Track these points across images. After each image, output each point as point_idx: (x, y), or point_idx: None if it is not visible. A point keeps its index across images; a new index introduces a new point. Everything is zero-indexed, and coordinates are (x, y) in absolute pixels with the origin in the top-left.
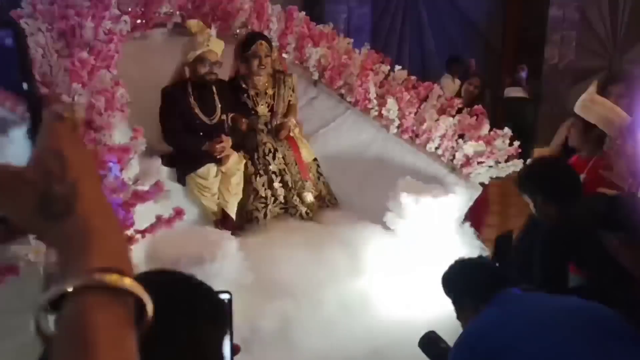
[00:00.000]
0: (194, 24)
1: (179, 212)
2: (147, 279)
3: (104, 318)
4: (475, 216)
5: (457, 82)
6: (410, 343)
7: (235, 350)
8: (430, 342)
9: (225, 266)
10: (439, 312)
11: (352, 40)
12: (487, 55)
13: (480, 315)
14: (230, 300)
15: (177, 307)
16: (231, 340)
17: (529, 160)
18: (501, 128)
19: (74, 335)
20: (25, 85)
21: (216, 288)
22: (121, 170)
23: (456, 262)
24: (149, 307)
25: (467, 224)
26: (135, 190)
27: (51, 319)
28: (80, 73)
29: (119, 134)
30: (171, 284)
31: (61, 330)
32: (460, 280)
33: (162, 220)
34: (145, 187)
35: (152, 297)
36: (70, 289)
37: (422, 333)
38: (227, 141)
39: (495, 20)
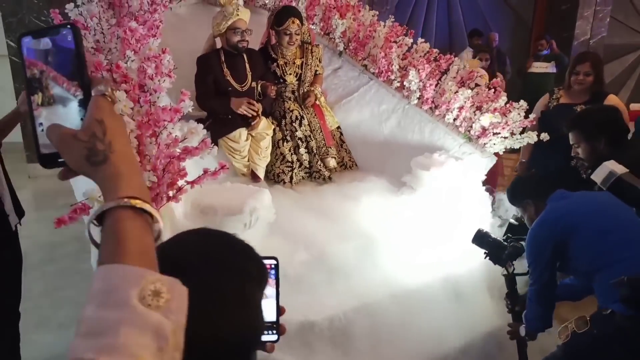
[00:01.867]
0: (237, 6)
1: (223, 166)
2: (205, 238)
3: (130, 224)
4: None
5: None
6: (423, 289)
7: (281, 312)
8: (481, 235)
9: (262, 214)
10: (452, 261)
11: (377, 12)
12: (516, 29)
13: (548, 208)
14: (277, 265)
15: (227, 268)
16: (277, 302)
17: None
18: (518, 101)
19: (112, 234)
20: (79, 74)
21: (250, 237)
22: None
23: (517, 178)
24: (159, 222)
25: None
26: (185, 146)
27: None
28: (130, 41)
29: (165, 97)
30: (221, 246)
31: (103, 233)
32: (525, 189)
33: (209, 172)
34: (194, 144)
35: (204, 257)
36: (107, 208)
37: (434, 282)
38: (258, 106)
39: None
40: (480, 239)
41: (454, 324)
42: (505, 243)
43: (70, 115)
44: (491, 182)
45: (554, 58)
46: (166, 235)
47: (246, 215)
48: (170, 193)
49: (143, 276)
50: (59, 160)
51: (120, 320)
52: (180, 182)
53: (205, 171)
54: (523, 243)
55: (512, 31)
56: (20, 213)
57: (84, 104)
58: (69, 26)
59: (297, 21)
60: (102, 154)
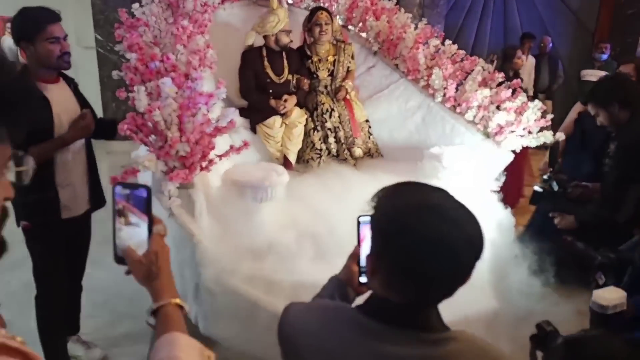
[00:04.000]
0: (275, 2)
1: (246, 143)
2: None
3: (173, 313)
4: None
5: (531, 59)
6: None
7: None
8: (569, 244)
9: (278, 190)
10: None
11: (409, 15)
12: (577, 34)
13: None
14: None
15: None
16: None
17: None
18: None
19: (163, 320)
20: (148, 212)
21: (269, 207)
22: (208, 110)
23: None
24: (186, 307)
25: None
26: (216, 125)
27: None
28: (182, 37)
29: (208, 85)
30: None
31: (158, 320)
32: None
33: (234, 148)
34: (224, 124)
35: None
36: (157, 306)
37: None
38: (292, 99)
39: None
40: (566, 248)
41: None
42: (594, 253)
43: (139, 233)
44: (518, 179)
45: (607, 68)
46: (201, 199)
47: (261, 189)
48: (203, 164)
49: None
50: (125, 262)
51: None
52: (211, 155)
53: (232, 147)
54: (612, 255)
55: (573, 37)
56: (98, 203)
57: (148, 228)
58: (145, 187)
59: (325, 12)
60: (155, 274)
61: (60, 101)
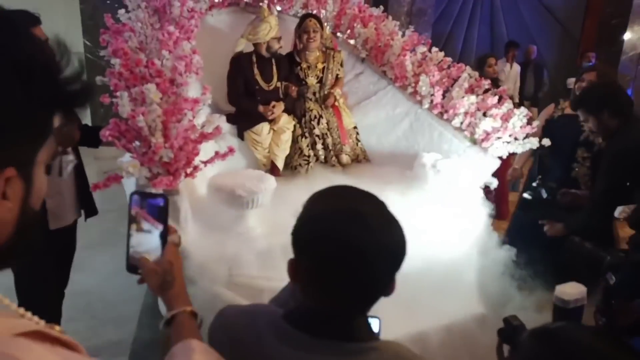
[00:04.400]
0: (266, 11)
1: (231, 149)
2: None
3: (187, 321)
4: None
5: (516, 66)
6: (409, 273)
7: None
8: (575, 244)
9: (265, 197)
10: (442, 249)
11: (397, 22)
12: (563, 43)
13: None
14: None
15: None
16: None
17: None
18: None
19: (177, 328)
20: (163, 220)
21: (255, 214)
22: (193, 116)
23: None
24: (199, 314)
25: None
26: (201, 131)
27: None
28: (167, 43)
29: (194, 91)
30: None
31: (173, 328)
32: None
33: (219, 154)
34: (209, 130)
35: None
36: (172, 314)
37: (422, 266)
38: (279, 106)
39: (576, 7)
40: (574, 248)
41: (437, 307)
42: (603, 253)
43: (152, 240)
44: (504, 186)
45: None
46: (185, 205)
47: (248, 196)
48: (188, 170)
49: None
50: (138, 271)
51: None
52: (196, 161)
53: (217, 153)
54: (622, 254)
55: (559, 45)
56: (88, 212)
57: (162, 236)
58: (163, 197)
59: (314, 20)
60: (170, 284)
61: None
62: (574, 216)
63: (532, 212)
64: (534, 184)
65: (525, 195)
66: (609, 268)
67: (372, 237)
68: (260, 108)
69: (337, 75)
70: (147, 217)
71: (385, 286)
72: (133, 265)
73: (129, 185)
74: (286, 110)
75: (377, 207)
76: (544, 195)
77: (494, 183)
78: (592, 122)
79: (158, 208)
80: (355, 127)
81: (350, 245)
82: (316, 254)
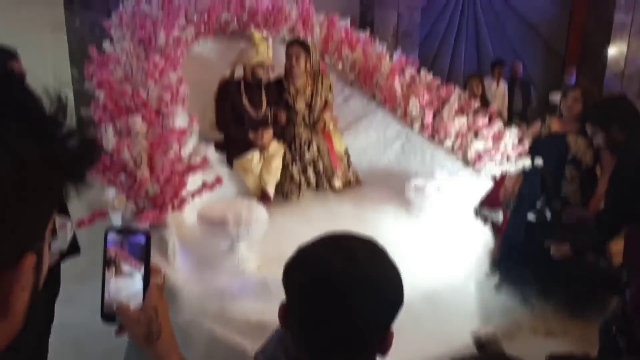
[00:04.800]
0: (258, 36)
1: (219, 180)
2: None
3: None
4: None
5: (503, 85)
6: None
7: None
8: None
9: (256, 228)
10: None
11: (384, 44)
12: (548, 59)
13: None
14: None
15: None
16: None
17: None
18: None
19: None
20: (143, 270)
21: (246, 246)
22: (180, 148)
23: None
24: None
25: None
26: (188, 163)
27: None
28: (153, 73)
29: (180, 120)
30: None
31: None
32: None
33: (207, 185)
34: (197, 161)
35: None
36: None
37: (418, 296)
38: (268, 132)
39: (559, 23)
40: (590, 267)
41: (433, 335)
42: (620, 269)
43: (133, 285)
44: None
45: None
46: (173, 239)
47: (238, 227)
48: (175, 203)
49: None
50: (115, 319)
51: None
52: (183, 193)
53: (204, 184)
54: None
55: (545, 61)
56: (70, 250)
57: (144, 278)
58: (144, 233)
59: (298, 46)
60: (156, 333)
61: None
62: (580, 236)
63: (535, 234)
64: (538, 206)
65: (529, 217)
66: (626, 284)
67: (365, 282)
68: (250, 135)
69: (326, 99)
70: (127, 258)
71: (381, 339)
72: (109, 314)
73: (115, 220)
74: (276, 136)
75: (372, 251)
76: (549, 216)
77: (500, 217)
78: (600, 136)
79: (140, 246)
80: (346, 152)
81: (342, 290)
82: (306, 299)
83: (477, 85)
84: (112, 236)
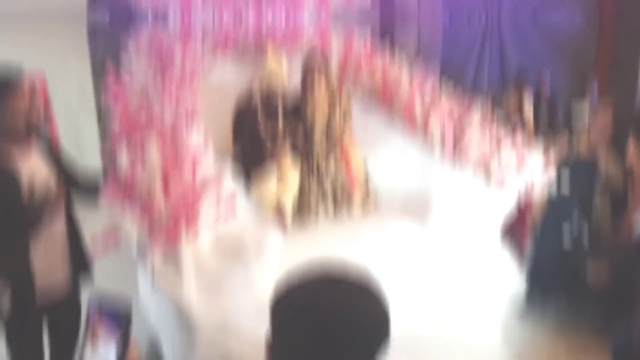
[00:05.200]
0: (273, 61)
1: (232, 208)
2: None
3: None
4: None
5: (529, 102)
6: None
7: None
8: None
9: (274, 250)
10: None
11: (403, 59)
12: (576, 74)
13: None
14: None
15: None
16: None
17: None
18: None
19: None
20: (120, 343)
21: (264, 268)
22: (194, 170)
23: None
24: None
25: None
26: (203, 186)
27: None
28: (170, 102)
29: (195, 140)
30: None
31: None
32: None
33: (220, 217)
34: (211, 186)
35: None
36: None
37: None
38: (285, 159)
39: (586, 36)
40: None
41: None
42: None
43: (107, 357)
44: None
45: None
46: (187, 267)
47: (255, 250)
48: (189, 228)
49: None
50: None
51: None
52: (198, 220)
53: (218, 215)
54: None
55: (571, 77)
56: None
57: (119, 351)
58: (127, 305)
59: (313, 74)
60: None
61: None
62: (618, 262)
63: (572, 262)
64: (574, 234)
65: (565, 247)
66: None
67: (348, 316)
68: (268, 164)
69: (344, 118)
70: (105, 333)
71: None
72: None
73: (130, 243)
74: (292, 156)
75: (360, 286)
76: (586, 246)
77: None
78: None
79: (120, 319)
80: (365, 172)
81: (326, 325)
82: (289, 334)
83: (515, 101)
84: (94, 305)
